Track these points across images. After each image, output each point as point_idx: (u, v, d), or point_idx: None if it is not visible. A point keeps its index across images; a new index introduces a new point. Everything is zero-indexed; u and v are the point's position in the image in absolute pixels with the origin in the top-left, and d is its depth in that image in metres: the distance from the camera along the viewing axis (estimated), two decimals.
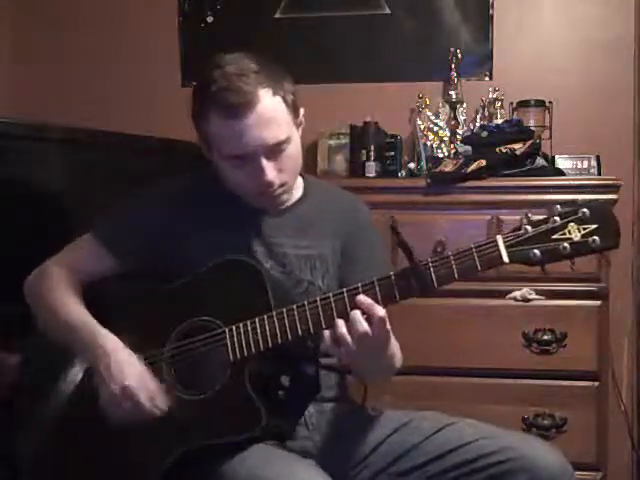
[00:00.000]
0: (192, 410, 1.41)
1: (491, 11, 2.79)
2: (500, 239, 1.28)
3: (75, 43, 3.02)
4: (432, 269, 1.30)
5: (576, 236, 1.24)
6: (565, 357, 2.23)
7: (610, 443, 2.30)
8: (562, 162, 2.40)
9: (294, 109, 1.50)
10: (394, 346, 1.44)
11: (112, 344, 1.45)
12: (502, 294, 2.25)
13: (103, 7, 3.02)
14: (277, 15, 2.91)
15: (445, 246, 2.24)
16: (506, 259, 1.27)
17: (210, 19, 2.96)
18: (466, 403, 2.19)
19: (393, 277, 1.32)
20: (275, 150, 1.45)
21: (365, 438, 1.51)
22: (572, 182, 2.31)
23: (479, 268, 1.29)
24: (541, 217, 1.27)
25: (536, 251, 1.26)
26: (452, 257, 1.30)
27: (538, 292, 2.22)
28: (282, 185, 1.50)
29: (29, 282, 1.61)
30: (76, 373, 1.51)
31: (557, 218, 1.26)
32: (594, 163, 2.39)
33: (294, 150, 1.49)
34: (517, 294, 2.23)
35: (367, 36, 2.86)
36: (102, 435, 1.45)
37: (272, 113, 1.43)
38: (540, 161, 2.36)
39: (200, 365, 1.43)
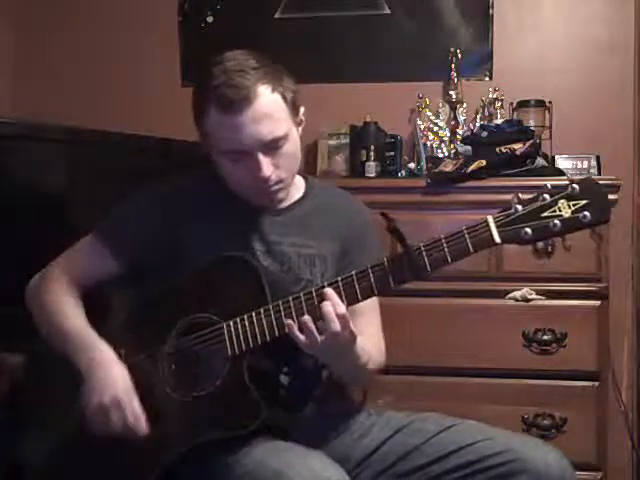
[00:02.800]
0: (192, 408, 1.42)
1: (491, 11, 2.79)
2: (491, 219, 1.28)
3: (75, 43, 3.02)
4: (425, 253, 1.30)
5: (566, 212, 1.24)
6: (565, 357, 2.23)
7: (610, 443, 2.30)
8: (562, 162, 2.40)
9: (294, 107, 1.50)
10: (366, 349, 1.45)
11: (106, 355, 1.45)
12: (502, 294, 2.25)
13: (103, 7, 3.02)
14: (277, 15, 2.91)
15: None
16: (498, 239, 1.27)
17: (210, 19, 2.96)
18: (466, 403, 2.19)
19: (386, 263, 1.33)
20: (272, 146, 1.46)
21: (366, 439, 1.52)
22: None
23: (471, 250, 1.28)
24: (531, 196, 1.27)
25: (527, 229, 1.25)
26: (444, 240, 1.30)
27: (538, 292, 2.22)
28: (279, 182, 1.50)
29: (30, 289, 1.61)
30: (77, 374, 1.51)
31: (547, 195, 1.25)
32: (594, 163, 2.39)
33: (292, 147, 1.50)
34: (517, 294, 2.23)
35: (367, 36, 2.86)
36: (96, 438, 1.45)
37: (270, 109, 1.44)
38: (540, 161, 2.36)
39: (200, 361, 1.43)
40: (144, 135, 2.35)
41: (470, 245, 1.28)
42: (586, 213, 1.23)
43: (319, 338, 1.34)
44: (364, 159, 2.54)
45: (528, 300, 2.23)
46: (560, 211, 1.24)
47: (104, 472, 1.47)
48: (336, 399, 1.59)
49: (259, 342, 1.39)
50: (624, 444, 2.58)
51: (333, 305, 1.33)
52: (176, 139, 2.38)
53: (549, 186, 1.26)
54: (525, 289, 2.23)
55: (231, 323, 1.41)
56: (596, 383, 2.25)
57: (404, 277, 1.32)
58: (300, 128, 1.55)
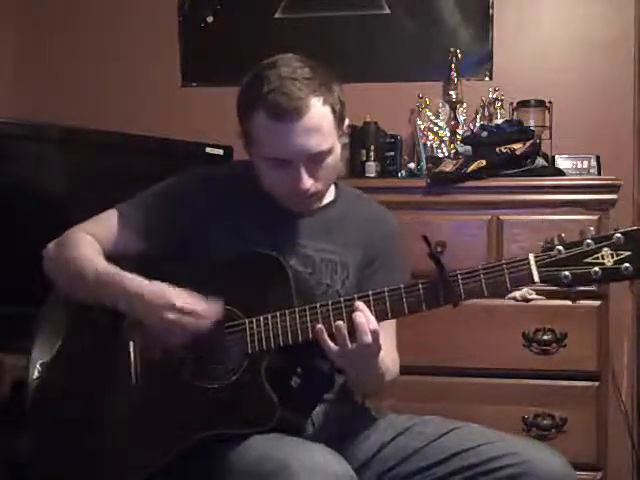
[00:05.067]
0: (206, 398, 1.41)
1: (491, 11, 2.79)
2: (532, 258, 1.27)
3: (75, 43, 3.02)
4: (461, 282, 1.31)
5: (609, 262, 1.23)
6: (565, 357, 2.23)
7: (610, 443, 2.30)
8: (562, 162, 2.39)
9: (340, 120, 1.49)
10: (385, 361, 1.45)
11: (141, 282, 1.42)
12: (502, 294, 2.24)
13: (103, 7, 3.02)
14: (277, 15, 2.91)
15: (445, 246, 2.24)
16: (537, 278, 1.27)
17: (210, 19, 2.95)
18: (466, 403, 2.19)
19: (421, 286, 1.34)
20: (315, 159, 1.45)
21: (368, 440, 1.52)
22: (572, 182, 2.31)
23: (508, 286, 1.28)
24: (574, 240, 1.26)
25: (567, 273, 1.25)
26: (482, 271, 1.30)
27: (538, 292, 2.22)
28: (315, 193, 1.50)
29: (50, 247, 1.57)
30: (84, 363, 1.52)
31: (590, 241, 1.24)
32: (594, 163, 2.38)
33: (334, 161, 1.49)
34: (517, 294, 2.23)
35: (367, 36, 2.86)
36: (105, 420, 1.47)
37: (320, 122, 1.43)
38: (540, 161, 2.36)
39: (217, 354, 1.42)
40: (144, 135, 2.35)
41: (508, 280, 1.28)
42: (628, 265, 1.22)
43: (350, 346, 1.34)
44: (364, 159, 2.54)
45: (528, 300, 2.23)
46: (602, 259, 1.23)
47: (109, 457, 1.46)
48: (340, 401, 1.59)
49: (281, 344, 1.38)
50: (624, 444, 2.58)
51: (366, 318, 1.34)
52: (176, 139, 2.39)
53: (593, 231, 1.26)
54: (525, 289, 2.22)
55: (254, 320, 1.40)
56: (596, 383, 2.25)
57: (437, 302, 1.34)
58: (342, 140, 1.53)
